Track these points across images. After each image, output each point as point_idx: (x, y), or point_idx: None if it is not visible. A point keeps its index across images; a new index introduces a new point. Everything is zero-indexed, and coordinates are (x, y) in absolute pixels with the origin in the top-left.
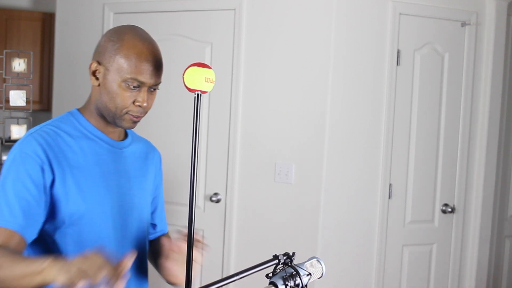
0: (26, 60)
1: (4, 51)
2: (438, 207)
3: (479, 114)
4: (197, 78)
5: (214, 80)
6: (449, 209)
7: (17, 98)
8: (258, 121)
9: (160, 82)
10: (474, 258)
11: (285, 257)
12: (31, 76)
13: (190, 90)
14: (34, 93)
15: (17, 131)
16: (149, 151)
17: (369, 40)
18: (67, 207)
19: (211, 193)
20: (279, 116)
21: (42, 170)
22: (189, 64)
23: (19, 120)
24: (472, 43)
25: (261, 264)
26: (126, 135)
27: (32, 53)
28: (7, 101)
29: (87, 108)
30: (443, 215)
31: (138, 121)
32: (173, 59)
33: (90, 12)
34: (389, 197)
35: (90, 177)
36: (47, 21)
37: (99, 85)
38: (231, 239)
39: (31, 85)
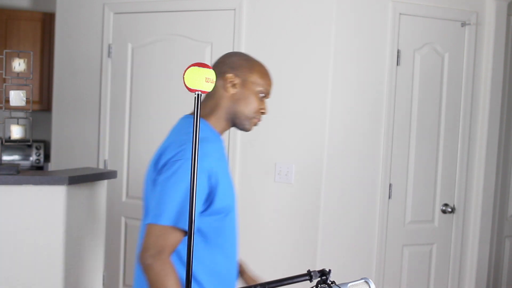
0: (26, 60)
1: (4, 51)
2: (438, 207)
3: (479, 114)
4: (197, 78)
5: (214, 80)
6: (449, 209)
7: (17, 98)
8: None
9: None
10: (474, 258)
11: (319, 274)
12: (31, 76)
13: (190, 90)
14: (34, 93)
15: (17, 131)
16: None
17: (369, 40)
18: (224, 201)
19: None
20: (279, 116)
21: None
22: (189, 64)
23: (19, 120)
24: (472, 43)
25: (292, 278)
26: None
27: (32, 53)
28: (7, 101)
29: (213, 115)
30: (443, 215)
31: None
32: (173, 59)
33: (90, 12)
34: (389, 197)
35: (227, 173)
36: (47, 21)
37: (233, 93)
38: None
39: (31, 85)
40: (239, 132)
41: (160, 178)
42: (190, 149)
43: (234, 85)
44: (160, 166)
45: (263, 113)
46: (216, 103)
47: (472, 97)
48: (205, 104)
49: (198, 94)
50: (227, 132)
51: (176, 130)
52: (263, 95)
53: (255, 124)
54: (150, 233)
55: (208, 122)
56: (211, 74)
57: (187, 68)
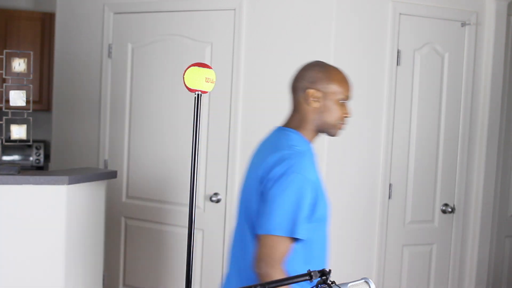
0: (26, 60)
1: (4, 51)
2: (438, 207)
3: (479, 114)
4: (197, 78)
5: (214, 80)
6: (449, 209)
7: (17, 98)
8: (258, 121)
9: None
10: (474, 258)
11: (319, 274)
12: (31, 76)
13: (190, 90)
14: (34, 93)
15: (17, 131)
16: None
17: (369, 40)
18: (322, 209)
19: (211, 193)
20: (279, 116)
21: None
22: (189, 64)
23: (19, 120)
24: (472, 43)
25: (291, 278)
26: None
27: (32, 53)
28: (7, 101)
29: (303, 128)
30: (443, 215)
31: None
32: (173, 59)
33: (90, 12)
34: (389, 197)
35: (321, 183)
36: (47, 21)
37: (317, 107)
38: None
39: (31, 85)
40: (239, 132)
41: (273, 192)
42: (299, 164)
43: (316, 99)
44: (271, 180)
45: (346, 117)
46: (303, 116)
47: (472, 97)
48: (293, 118)
49: (198, 94)
50: (227, 131)
51: (274, 142)
52: (343, 101)
53: (341, 128)
54: (265, 243)
55: (301, 133)
56: (211, 74)
57: (187, 68)
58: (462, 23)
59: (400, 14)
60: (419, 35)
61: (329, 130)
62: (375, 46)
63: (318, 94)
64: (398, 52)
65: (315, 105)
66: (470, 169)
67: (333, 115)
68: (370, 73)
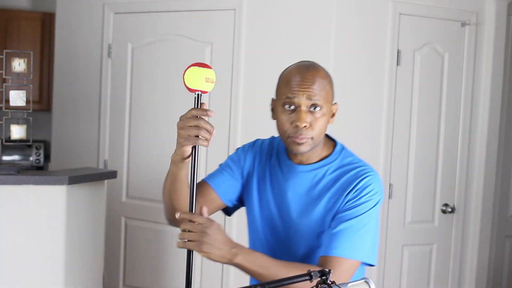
0: (26, 60)
1: (4, 51)
2: (438, 207)
3: (479, 114)
4: (197, 78)
5: (214, 80)
6: (449, 209)
7: (17, 98)
8: (258, 121)
9: (317, 101)
10: (474, 258)
11: (319, 274)
12: (31, 76)
13: (190, 90)
14: (34, 93)
15: (17, 131)
16: (345, 179)
17: (369, 40)
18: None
19: None
20: None
21: None
22: (189, 64)
23: (19, 120)
24: (472, 43)
25: (292, 278)
26: (323, 159)
27: (32, 53)
28: (7, 101)
29: None
30: (443, 215)
31: (302, 143)
32: (173, 59)
33: (90, 12)
34: (389, 197)
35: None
36: (47, 21)
37: (274, 119)
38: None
39: (31, 85)
40: (239, 132)
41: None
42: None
43: (271, 111)
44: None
45: (296, 126)
46: None
47: (472, 97)
48: None
49: (198, 94)
50: (227, 131)
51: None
52: (289, 105)
53: (299, 144)
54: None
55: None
56: (211, 74)
57: (187, 68)
58: (462, 23)
59: (400, 14)
60: (419, 35)
61: (286, 146)
62: (375, 46)
63: (273, 103)
64: (398, 52)
65: (273, 116)
66: (470, 169)
67: (279, 127)
68: (370, 73)
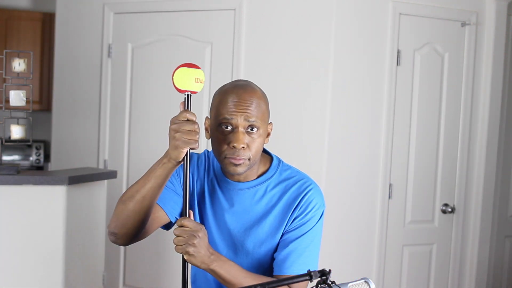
0: (26, 60)
1: (4, 51)
2: (438, 207)
3: (479, 114)
4: (186, 79)
5: (203, 80)
6: (449, 209)
7: (17, 98)
8: None
9: (254, 122)
10: (474, 258)
11: (319, 274)
12: (31, 76)
13: (179, 91)
14: (34, 93)
15: (17, 131)
16: (287, 196)
17: (369, 40)
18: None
19: None
20: (279, 116)
21: None
22: (177, 65)
23: (19, 120)
24: (472, 43)
25: (291, 278)
26: (261, 175)
27: (32, 53)
28: (7, 101)
29: None
30: (443, 215)
31: (240, 164)
32: (173, 59)
33: (90, 12)
34: (389, 197)
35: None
36: (47, 21)
37: (209, 139)
38: None
39: (31, 85)
40: None
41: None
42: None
43: (206, 130)
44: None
45: (234, 147)
46: None
47: (472, 97)
48: None
49: (188, 95)
50: None
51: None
52: (226, 126)
53: (236, 165)
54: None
55: None
56: (200, 74)
57: (175, 69)
58: (462, 23)
59: (400, 14)
60: (419, 35)
61: (222, 167)
62: (375, 46)
63: (207, 122)
64: (398, 52)
65: (207, 136)
66: (470, 169)
67: (213, 146)
68: (370, 73)
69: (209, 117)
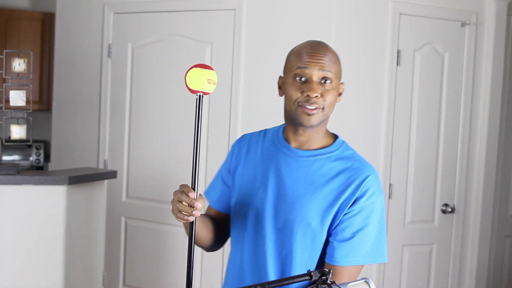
0: (26, 60)
1: (4, 51)
2: (438, 207)
3: (479, 114)
4: (199, 79)
5: (216, 81)
6: (449, 209)
7: (17, 98)
8: (258, 121)
9: (328, 74)
10: (474, 258)
11: (319, 274)
12: (31, 76)
13: (192, 91)
14: (34, 93)
15: (17, 131)
16: (347, 174)
17: (369, 40)
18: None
19: None
20: (279, 116)
21: None
22: (191, 65)
23: (19, 120)
24: (472, 43)
25: (292, 278)
26: (323, 147)
27: (32, 53)
28: (7, 101)
29: (285, 122)
30: (443, 215)
31: (313, 114)
32: (173, 59)
33: (90, 12)
34: (389, 197)
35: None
36: (47, 21)
37: (282, 95)
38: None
39: (31, 85)
40: (239, 132)
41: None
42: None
43: (280, 87)
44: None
45: (308, 96)
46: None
47: (472, 97)
48: None
49: (200, 95)
50: (227, 132)
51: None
52: (300, 77)
53: (309, 114)
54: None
55: (284, 128)
56: (212, 75)
57: (188, 70)
58: (462, 23)
59: (400, 14)
60: (419, 35)
61: (294, 118)
62: (375, 46)
63: (280, 80)
64: (398, 52)
65: (280, 93)
66: (470, 169)
67: (288, 98)
68: (370, 73)
69: (282, 76)
